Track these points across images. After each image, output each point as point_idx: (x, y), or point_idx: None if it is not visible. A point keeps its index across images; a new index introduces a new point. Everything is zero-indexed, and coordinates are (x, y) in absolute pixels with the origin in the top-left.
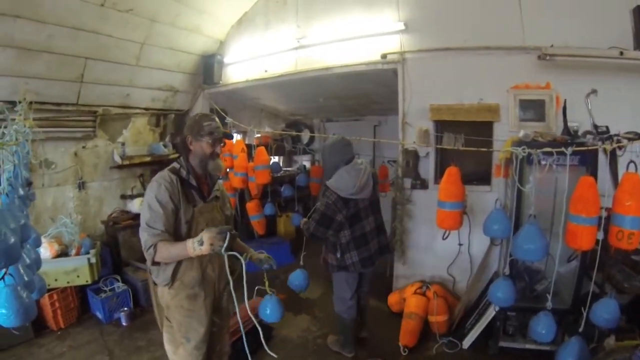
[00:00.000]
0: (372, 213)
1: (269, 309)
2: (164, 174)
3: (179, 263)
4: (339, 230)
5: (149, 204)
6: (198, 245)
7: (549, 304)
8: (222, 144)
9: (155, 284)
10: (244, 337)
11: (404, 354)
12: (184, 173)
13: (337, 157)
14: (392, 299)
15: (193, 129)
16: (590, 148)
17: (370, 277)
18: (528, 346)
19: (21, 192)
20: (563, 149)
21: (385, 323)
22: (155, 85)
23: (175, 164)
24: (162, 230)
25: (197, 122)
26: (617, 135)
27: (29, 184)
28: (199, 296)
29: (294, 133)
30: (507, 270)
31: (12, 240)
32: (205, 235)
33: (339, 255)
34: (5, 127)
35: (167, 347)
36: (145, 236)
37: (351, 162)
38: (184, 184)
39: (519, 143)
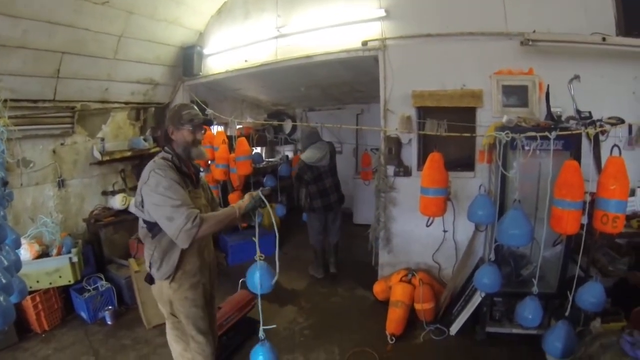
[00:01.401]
0: (330, 176)
1: (258, 277)
2: (161, 161)
3: (182, 252)
4: (307, 184)
5: (168, 187)
6: (241, 202)
7: (535, 289)
8: (202, 131)
9: (151, 283)
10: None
11: (391, 343)
12: (176, 161)
13: (307, 140)
14: (378, 287)
15: (173, 119)
16: (573, 132)
17: (340, 224)
18: (515, 331)
19: None
20: (547, 133)
21: (371, 312)
22: (134, 79)
23: (164, 154)
24: (193, 205)
25: (177, 112)
26: (600, 120)
27: (4, 183)
28: (199, 283)
29: (275, 123)
30: (492, 256)
31: None
32: (247, 195)
33: (309, 201)
34: None
35: (175, 346)
36: (183, 212)
37: (316, 143)
38: (179, 170)
39: (503, 128)
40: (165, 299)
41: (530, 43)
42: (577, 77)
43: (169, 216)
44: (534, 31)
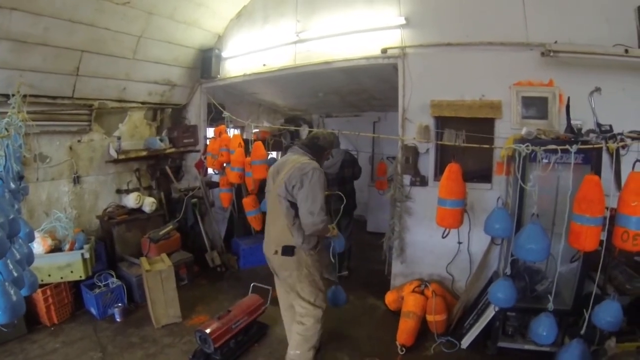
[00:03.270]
0: (337, 184)
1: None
2: (317, 165)
3: None
4: None
5: (320, 189)
6: (332, 230)
7: (550, 305)
8: None
9: (292, 254)
10: None
11: (401, 354)
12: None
13: None
14: (390, 297)
15: (334, 144)
16: (595, 146)
17: (352, 231)
18: (527, 347)
19: (12, 185)
20: (568, 146)
21: (383, 322)
22: (152, 79)
23: (316, 164)
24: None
25: (337, 139)
26: (621, 134)
27: (20, 177)
28: None
29: (292, 128)
30: (508, 270)
31: None
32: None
33: None
34: None
35: (308, 297)
36: (322, 215)
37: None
38: None
39: (522, 140)
40: (304, 264)
41: (552, 54)
42: (598, 89)
43: (311, 211)
44: (555, 42)
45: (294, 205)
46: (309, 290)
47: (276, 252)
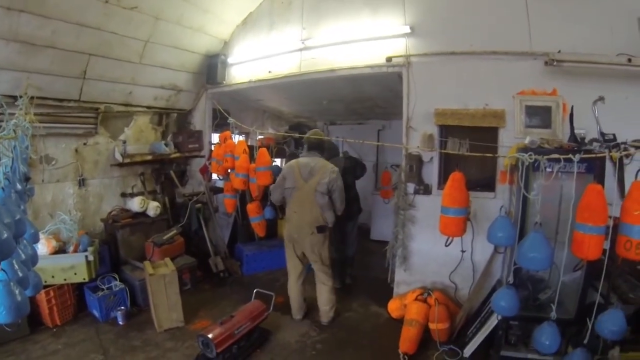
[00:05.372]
0: None
1: None
2: (337, 168)
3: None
4: None
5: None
6: None
7: (553, 314)
8: None
9: (323, 232)
10: None
11: None
12: None
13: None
14: (393, 305)
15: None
16: (598, 155)
17: (354, 239)
18: (530, 356)
19: (19, 186)
20: (571, 155)
21: (385, 329)
22: (158, 84)
23: (334, 165)
24: None
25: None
26: (625, 143)
27: (27, 179)
28: None
29: (296, 135)
30: (511, 279)
31: (5, 235)
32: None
33: None
34: (2, 121)
35: (326, 261)
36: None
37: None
38: None
39: (525, 149)
40: (326, 238)
41: (555, 63)
42: (601, 98)
43: (342, 200)
44: (559, 51)
45: (330, 198)
46: (326, 255)
47: (313, 232)
